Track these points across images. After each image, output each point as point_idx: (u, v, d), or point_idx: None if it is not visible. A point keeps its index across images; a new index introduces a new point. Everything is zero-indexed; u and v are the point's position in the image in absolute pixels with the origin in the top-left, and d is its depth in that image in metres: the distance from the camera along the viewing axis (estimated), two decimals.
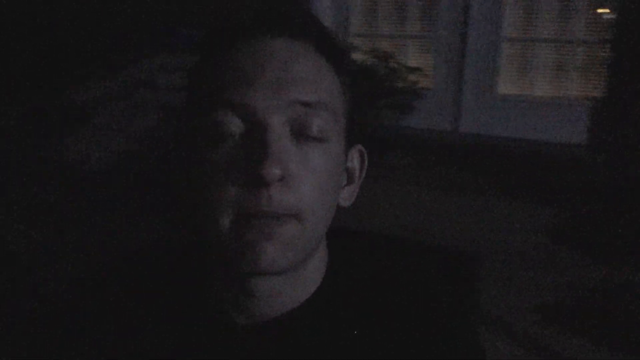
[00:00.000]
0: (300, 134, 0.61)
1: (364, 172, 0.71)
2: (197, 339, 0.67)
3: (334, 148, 0.64)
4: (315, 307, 0.67)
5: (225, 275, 0.65)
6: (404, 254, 0.77)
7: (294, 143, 0.61)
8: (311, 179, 0.62)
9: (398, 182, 5.13)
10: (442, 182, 5.26)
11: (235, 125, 0.61)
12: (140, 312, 0.69)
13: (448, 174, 5.56)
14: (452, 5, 7.70)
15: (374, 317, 0.66)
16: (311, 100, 0.61)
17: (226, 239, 0.60)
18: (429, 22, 8.03)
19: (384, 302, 0.66)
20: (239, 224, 0.60)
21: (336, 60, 0.65)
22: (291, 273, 0.64)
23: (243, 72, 0.61)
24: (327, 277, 0.69)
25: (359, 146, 0.71)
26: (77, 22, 2.59)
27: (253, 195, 0.59)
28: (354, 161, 0.71)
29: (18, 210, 3.25)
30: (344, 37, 8.04)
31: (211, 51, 0.64)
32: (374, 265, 0.71)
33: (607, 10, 6.75)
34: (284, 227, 0.60)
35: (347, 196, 0.70)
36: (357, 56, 6.43)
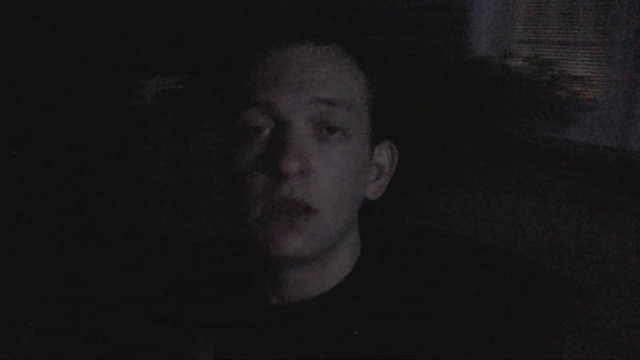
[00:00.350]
0: (322, 130, 0.67)
1: (394, 167, 0.75)
2: (241, 314, 0.76)
3: (357, 144, 0.68)
4: (340, 294, 0.72)
5: (259, 262, 0.74)
6: (455, 256, 0.76)
7: (315, 139, 0.67)
8: (332, 173, 0.66)
9: (551, 199, 4.82)
10: (602, 202, 4.85)
11: (263, 123, 0.67)
12: (206, 289, 0.80)
13: (610, 194, 5.11)
14: (629, 9, 7.06)
15: (397, 311, 0.69)
16: (331, 97, 0.66)
17: (257, 227, 0.67)
18: (601, 28, 7.44)
19: (410, 298, 0.69)
20: (267, 215, 0.66)
21: (363, 61, 0.70)
22: (317, 262, 0.70)
23: (269, 75, 0.67)
24: (357, 268, 0.74)
25: (389, 142, 0.75)
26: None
27: (277, 186, 0.65)
28: (383, 156, 0.74)
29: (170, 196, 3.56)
30: (506, 43, 7.72)
31: (243, 57, 0.71)
32: (409, 262, 0.73)
33: None
34: (308, 221, 0.66)
35: (375, 190, 0.74)
36: (516, 63, 6.14)
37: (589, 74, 6.82)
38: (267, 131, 0.67)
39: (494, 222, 3.81)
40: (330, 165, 0.66)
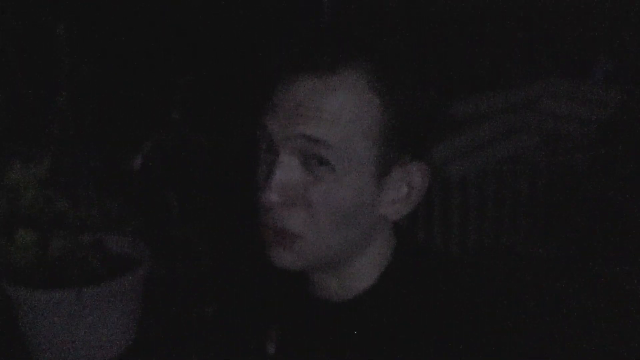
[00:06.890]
0: (311, 160, 0.70)
1: (425, 188, 0.76)
2: (288, 312, 0.85)
3: (350, 177, 0.71)
4: (359, 304, 0.77)
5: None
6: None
7: (302, 171, 0.71)
8: (318, 203, 0.70)
9: None
10: None
11: (266, 145, 0.74)
12: (270, 292, 0.89)
13: None
14: None
15: (413, 328, 0.73)
16: (317, 136, 0.69)
17: (261, 237, 0.74)
18: None
19: (429, 316, 0.73)
20: (263, 229, 0.74)
21: (380, 84, 0.70)
22: (330, 270, 0.76)
23: (273, 103, 0.72)
24: (381, 280, 0.77)
25: (420, 163, 0.75)
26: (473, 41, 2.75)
27: (264, 212, 0.72)
28: (412, 176, 0.75)
29: None
30: None
31: (262, 85, 0.77)
32: (434, 279, 0.78)
33: None
34: (293, 242, 0.72)
35: (400, 210, 0.76)
36: None
37: None
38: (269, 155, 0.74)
39: None
40: (316, 194, 0.70)
